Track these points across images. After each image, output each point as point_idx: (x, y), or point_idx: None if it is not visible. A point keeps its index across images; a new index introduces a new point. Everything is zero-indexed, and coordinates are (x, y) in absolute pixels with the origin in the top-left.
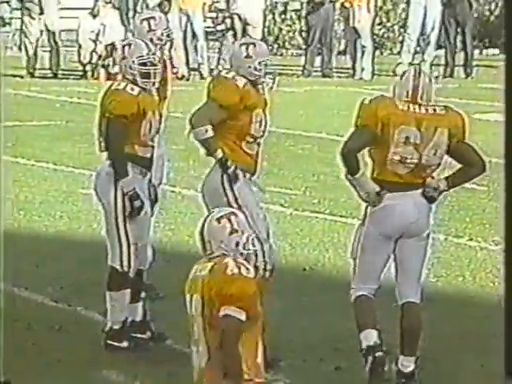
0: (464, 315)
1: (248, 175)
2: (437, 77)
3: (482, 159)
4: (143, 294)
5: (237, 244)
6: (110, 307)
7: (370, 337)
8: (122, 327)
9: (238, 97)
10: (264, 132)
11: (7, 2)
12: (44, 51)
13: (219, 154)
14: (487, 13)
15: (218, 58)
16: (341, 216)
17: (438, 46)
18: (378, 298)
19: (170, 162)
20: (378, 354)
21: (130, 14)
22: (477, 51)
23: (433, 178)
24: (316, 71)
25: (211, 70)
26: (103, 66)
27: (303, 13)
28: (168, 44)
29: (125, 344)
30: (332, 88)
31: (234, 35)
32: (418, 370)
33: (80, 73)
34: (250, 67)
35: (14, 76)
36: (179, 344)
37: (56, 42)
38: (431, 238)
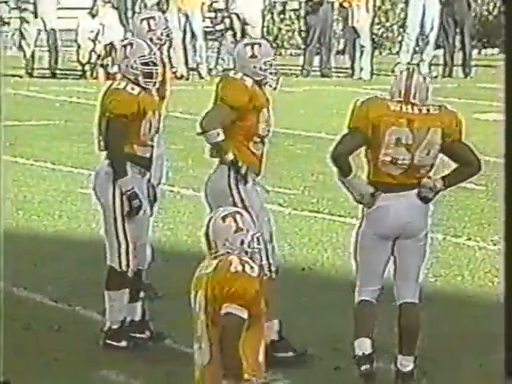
0: (463, 315)
1: (253, 175)
2: (436, 76)
3: (477, 158)
4: (142, 294)
5: (242, 242)
6: (108, 307)
7: (364, 346)
8: (121, 327)
9: (247, 97)
10: (269, 132)
11: (6, 2)
12: (43, 51)
13: (230, 156)
14: (486, 12)
15: (217, 58)
16: (339, 216)
17: (437, 46)
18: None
19: (169, 161)
20: (365, 367)
21: (129, 13)
22: (475, 51)
23: (429, 177)
24: (315, 71)
25: (210, 70)
26: (102, 65)
27: (302, 13)
28: (167, 44)
29: (124, 343)
30: (331, 88)
31: (233, 35)
32: (417, 370)
33: (79, 72)
34: (255, 67)
35: (13, 76)
36: (178, 343)
37: (55, 42)
38: (430, 237)
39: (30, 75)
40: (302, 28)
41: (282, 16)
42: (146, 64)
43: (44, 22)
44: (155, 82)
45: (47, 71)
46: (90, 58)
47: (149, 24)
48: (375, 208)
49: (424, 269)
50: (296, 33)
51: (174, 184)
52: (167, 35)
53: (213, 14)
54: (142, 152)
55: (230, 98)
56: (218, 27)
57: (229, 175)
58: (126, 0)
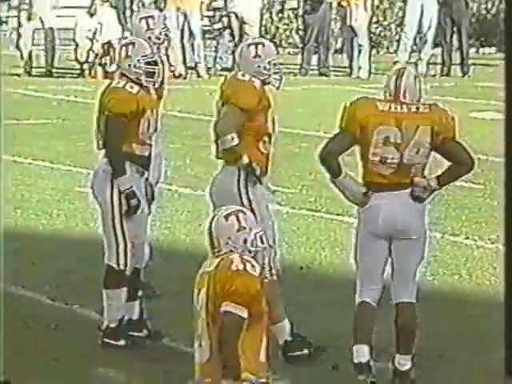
0: (460, 313)
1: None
2: (433, 75)
3: (470, 156)
4: (140, 292)
5: (245, 241)
6: (106, 305)
7: (362, 353)
8: (119, 325)
9: (257, 99)
10: (274, 130)
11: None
12: (41, 50)
13: (246, 159)
14: (484, 11)
15: (215, 57)
16: (337, 214)
17: (435, 45)
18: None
19: (167, 160)
20: (362, 376)
21: (127, 12)
22: (473, 50)
23: (424, 177)
24: (313, 70)
25: (208, 69)
26: (100, 64)
27: (300, 11)
28: (166, 43)
29: (122, 342)
30: (329, 87)
31: (231, 34)
32: (415, 369)
33: (77, 71)
34: (259, 67)
35: (11, 75)
36: (176, 342)
37: (52, 41)
38: (427, 237)
39: (29, 74)
40: (300, 27)
41: (280, 15)
42: (149, 63)
43: (42, 20)
44: (156, 82)
45: (46, 70)
46: (88, 57)
47: (147, 23)
48: (367, 207)
49: (420, 269)
50: (294, 32)
51: (172, 183)
52: (166, 34)
53: (211, 13)
54: (141, 151)
55: (240, 101)
56: (216, 26)
57: (238, 176)
58: None
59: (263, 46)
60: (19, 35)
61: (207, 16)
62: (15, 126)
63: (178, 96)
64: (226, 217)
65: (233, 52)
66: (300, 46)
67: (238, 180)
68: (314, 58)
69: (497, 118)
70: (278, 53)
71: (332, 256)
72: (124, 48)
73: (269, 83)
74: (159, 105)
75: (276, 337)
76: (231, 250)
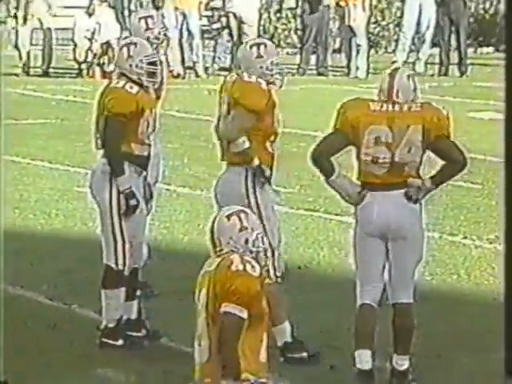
0: (459, 313)
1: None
2: (432, 75)
3: (463, 154)
4: (138, 292)
5: (246, 241)
6: (105, 305)
7: (364, 360)
8: (118, 325)
9: (265, 100)
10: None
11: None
12: (39, 50)
13: (256, 161)
14: (482, 11)
15: (213, 57)
16: (336, 214)
17: (433, 45)
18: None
19: (165, 160)
20: None
21: (126, 12)
22: (471, 50)
23: (419, 177)
24: (311, 70)
25: (206, 69)
26: (99, 64)
27: (298, 11)
28: (165, 43)
29: (120, 342)
30: (327, 86)
31: (230, 34)
32: (413, 368)
33: (75, 71)
34: (261, 67)
35: (10, 75)
36: (174, 342)
37: (50, 41)
38: (425, 238)
39: (27, 73)
40: (299, 27)
41: (278, 15)
42: (151, 64)
43: (40, 20)
44: (157, 82)
45: (43, 70)
46: (86, 57)
47: (146, 23)
48: (362, 206)
49: (417, 269)
50: (292, 31)
51: (171, 182)
52: (164, 34)
53: (209, 13)
54: (140, 151)
55: (249, 103)
56: (214, 26)
57: (246, 177)
58: None
59: (265, 46)
60: (17, 35)
61: (205, 16)
62: (13, 126)
63: (176, 96)
64: (228, 217)
65: (231, 52)
66: (298, 45)
67: (246, 180)
68: (313, 58)
69: (495, 117)
70: (278, 53)
71: (330, 256)
72: (126, 48)
73: (271, 83)
74: (157, 104)
75: (275, 338)
76: (232, 250)
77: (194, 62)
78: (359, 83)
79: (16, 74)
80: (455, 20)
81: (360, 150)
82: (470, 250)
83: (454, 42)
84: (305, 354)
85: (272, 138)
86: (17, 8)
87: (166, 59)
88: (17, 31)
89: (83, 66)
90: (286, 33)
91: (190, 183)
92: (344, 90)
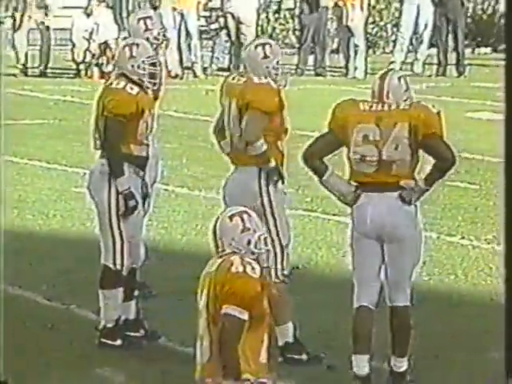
0: (456, 313)
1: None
2: (429, 75)
3: (451, 151)
4: (136, 292)
5: (248, 242)
6: (103, 305)
7: (362, 365)
8: (116, 325)
9: (276, 100)
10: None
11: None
12: (37, 50)
13: (272, 163)
14: (479, 12)
15: (212, 57)
16: (333, 214)
17: (431, 45)
18: None
19: (164, 160)
20: None
21: (124, 12)
22: (469, 50)
23: (413, 177)
24: (309, 70)
25: (205, 69)
26: (97, 64)
27: (297, 12)
28: (164, 43)
29: (118, 342)
30: (325, 87)
31: (228, 34)
32: (411, 369)
33: (73, 71)
34: (267, 67)
35: (8, 75)
36: (172, 342)
37: (48, 41)
38: (422, 240)
39: (25, 74)
40: (297, 27)
41: (276, 15)
42: (153, 64)
43: (36, 21)
44: (157, 83)
45: (41, 70)
46: (84, 57)
47: (146, 23)
48: (356, 207)
49: (414, 271)
50: (290, 32)
51: (169, 183)
52: (164, 35)
53: (208, 13)
54: (139, 151)
55: (263, 105)
56: (212, 26)
57: (259, 176)
58: None
59: (270, 46)
60: (14, 36)
61: (204, 16)
62: (11, 126)
63: (174, 96)
64: (231, 217)
65: (229, 52)
66: (296, 46)
67: (260, 179)
68: (311, 58)
69: (493, 118)
70: (282, 52)
71: (328, 256)
72: (128, 48)
73: (276, 83)
74: (155, 105)
75: (277, 337)
76: (234, 251)
77: (193, 63)
78: (357, 83)
79: (14, 75)
80: (453, 20)
81: (350, 149)
82: (467, 251)
83: (451, 43)
84: (304, 356)
85: (282, 136)
86: (15, 9)
87: (165, 60)
88: (14, 32)
89: (81, 66)
90: (284, 33)
91: (189, 183)
92: (342, 90)
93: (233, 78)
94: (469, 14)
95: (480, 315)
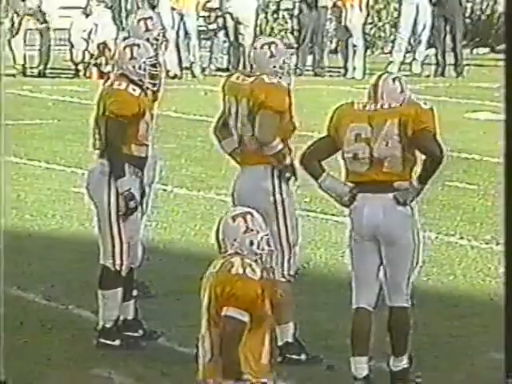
0: (454, 313)
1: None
2: (428, 76)
3: (439, 146)
4: (135, 293)
5: (251, 243)
6: (102, 306)
7: (360, 367)
8: (115, 326)
9: (288, 99)
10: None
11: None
12: (34, 50)
13: (288, 160)
14: (478, 12)
15: (210, 57)
16: (332, 214)
17: (429, 45)
18: None
19: (162, 160)
20: None
21: (123, 13)
22: (467, 50)
23: (408, 176)
24: (308, 70)
25: (203, 69)
26: (95, 64)
27: (295, 12)
28: (164, 44)
29: (117, 342)
30: (324, 87)
31: (226, 34)
32: (411, 369)
33: (72, 72)
34: (274, 67)
35: (7, 75)
36: (171, 342)
37: (48, 41)
38: (419, 241)
39: (24, 74)
40: (295, 27)
41: (275, 15)
42: (154, 65)
43: (35, 22)
44: (157, 84)
45: (40, 71)
46: (83, 57)
47: (146, 24)
48: (353, 208)
49: (413, 273)
50: (289, 32)
51: (167, 183)
52: (163, 36)
53: (206, 13)
54: (139, 152)
55: (276, 104)
56: (210, 26)
57: (272, 174)
58: None
59: (276, 45)
60: (12, 36)
61: (202, 16)
62: (10, 127)
63: (173, 96)
64: (234, 218)
65: (228, 52)
66: (295, 46)
67: (273, 177)
68: (309, 59)
69: (491, 118)
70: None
71: (327, 256)
72: (129, 49)
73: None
74: (154, 106)
75: (277, 337)
76: (237, 252)
77: (191, 63)
78: (356, 84)
79: (13, 75)
80: (451, 21)
81: (343, 148)
82: (466, 251)
83: (449, 43)
84: (303, 356)
85: (293, 134)
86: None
87: (164, 61)
88: (12, 37)
89: (80, 66)
90: (283, 33)
91: (187, 184)
92: (341, 90)
93: (237, 78)
94: (467, 15)
95: (478, 315)
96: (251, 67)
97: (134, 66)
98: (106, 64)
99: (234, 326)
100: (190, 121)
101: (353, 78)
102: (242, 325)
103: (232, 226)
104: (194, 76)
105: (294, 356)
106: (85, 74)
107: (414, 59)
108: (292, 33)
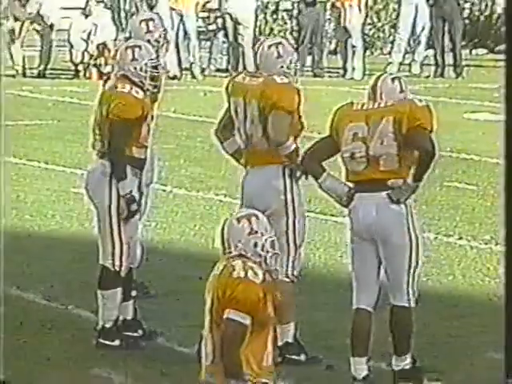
0: (454, 314)
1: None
2: (427, 76)
3: (432, 143)
4: (134, 293)
5: (255, 245)
6: (101, 306)
7: (360, 368)
8: (114, 326)
9: (298, 99)
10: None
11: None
12: (35, 51)
13: (298, 159)
14: (477, 13)
15: (209, 58)
16: (331, 215)
17: (429, 46)
18: None
19: (161, 160)
20: None
21: (122, 13)
22: (467, 51)
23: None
24: (307, 71)
25: (203, 70)
26: (95, 65)
27: (294, 13)
28: (165, 46)
29: (117, 342)
30: (323, 88)
31: (225, 35)
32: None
33: (72, 72)
34: (282, 67)
35: (6, 76)
36: (170, 342)
37: (50, 42)
38: (417, 241)
39: (23, 75)
40: (295, 28)
41: (274, 16)
42: (155, 67)
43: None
44: (157, 85)
45: (40, 71)
46: (82, 58)
47: (147, 25)
48: (351, 208)
49: (413, 272)
50: (288, 33)
51: (167, 183)
52: (164, 37)
53: (206, 14)
54: (139, 153)
55: (288, 104)
56: (210, 27)
57: (284, 174)
58: (119, 0)
59: (283, 45)
60: (11, 36)
61: (201, 17)
62: (10, 127)
63: (172, 97)
64: (238, 219)
65: (227, 53)
66: (294, 47)
67: (284, 176)
68: (308, 59)
69: (490, 118)
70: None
71: (326, 257)
72: (130, 50)
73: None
74: (154, 107)
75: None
76: (241, 254)
77: (191, 63)
78: (355, 84)
79: (13, 76)
80: (450, 21)
81: (342, 148)
82: (465, 251)
83: (449, 44)
84: (303, 356)
85: (300, 133)
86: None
87: (164, 62)
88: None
89: (79, 67)
90: (282, 34)
91: (186, 184)
92: (340, 91)
93: (242, 78)
94: (466, 15)
95: (478, 315)
96: (257, 68)
97: (135, 68)
98: (106, 64)
99: (235, 329)
100: (189, 121)
101: (352, 78)
102: (243, 327)
103: (236, 228)
104: (193, 77)
105: (293, 356)
106: (84, 75)
107: (414, 60)
108: (291, 33)
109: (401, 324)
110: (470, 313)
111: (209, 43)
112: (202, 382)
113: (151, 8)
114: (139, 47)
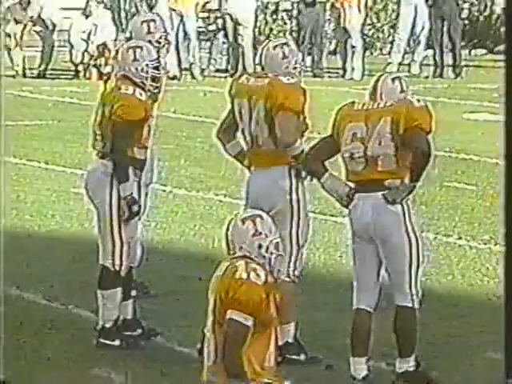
0: (453, 314)
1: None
2: (426, 77)
3: (427, 144)
4: (134, 293)
5: (259, 246)
6: (101, 306)
7: (359, 368)
8: (114, 325)
9: (304, 99)
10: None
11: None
12: (35, 51)
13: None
14: (476, 13)
15: (209, 58)
16: (331, 215)
17: (428, 46)
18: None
19: (161, 161)
20: None
21: (122, 13)
22: (466, 51)
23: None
24: (307, 71)
25: (202, 70)
26: (95, 65)
27: (294, 13)
28: (166, 47)
29: (117, 342)
30: (322, 88)
31: (225, 35)
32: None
33: (72, 72)
34: (287, 67)
35: (7, 76)
36: (170, 342)
37: (51, 43)
38: (417, 241)
39: (24, 75)
40: (294, 28)
41: (274, 16)
42: (157, 68)
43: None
44: (158, 86)
45: (40, 72)
46: (82, 58)
47: (149, 26)
48: (351, 208)
49: (415, 272)
50: (288, 33)
51: (167, 183)
52: (165, 38)
53: (205, 15)
54: (140, 154)
55: (295, 105)
56: (210, 27)
57: (290, 174)
58: (119, 0)
59: (288, 46)
60: (9, 36)
61: (201, 17)
62: (10, 127)
63: (172, 97)
64: (243, 220)
65: (227, 53)
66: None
67: (290, 176)
68: (308, 60)
69: (489, 119)
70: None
71: (325, 257)
72: (132, 50)
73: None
74: (155, 108)
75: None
76: (245, 255)
77: (191, 64)
78: (354, 85)
79: (13, 76)
80: (449, 22)
81: (342, 148)
82: (464, 251)
83: (448, 44)
84: (303, 356)
85: (306, 133)
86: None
87: (165, 63)
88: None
89: (80, 67)
90: (282, 34)
91: (186, 184)
92: (339, 91)
93: (246, 80)
94: (465, 16)
95: (477, 315)
96: (262, 68)
97: (136, 68)
98: (106, 65)
99: (237, 330)
100: (189, 122)
101: (351, 78)
102: (245, 328)
103: (241, 229)
104: (193, 77)
105: (293, 356)
106: (84, 75)
107: (413, 60)
108: (291, 34)
109: (403, 324)
110: (469, 313)
111: (209, 44)
112: (204, 381)
113: (151, 8)
114: (140, 48)
